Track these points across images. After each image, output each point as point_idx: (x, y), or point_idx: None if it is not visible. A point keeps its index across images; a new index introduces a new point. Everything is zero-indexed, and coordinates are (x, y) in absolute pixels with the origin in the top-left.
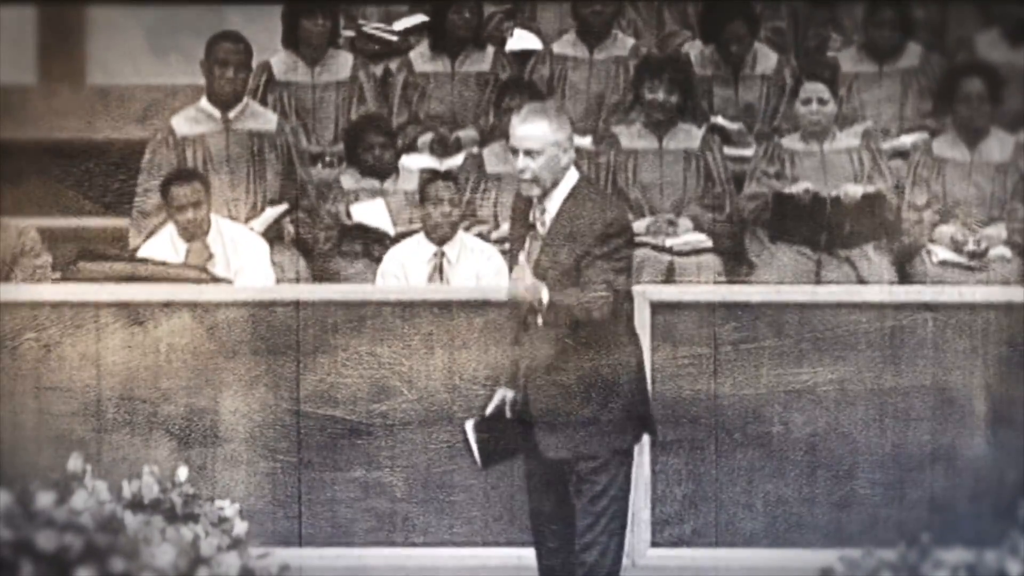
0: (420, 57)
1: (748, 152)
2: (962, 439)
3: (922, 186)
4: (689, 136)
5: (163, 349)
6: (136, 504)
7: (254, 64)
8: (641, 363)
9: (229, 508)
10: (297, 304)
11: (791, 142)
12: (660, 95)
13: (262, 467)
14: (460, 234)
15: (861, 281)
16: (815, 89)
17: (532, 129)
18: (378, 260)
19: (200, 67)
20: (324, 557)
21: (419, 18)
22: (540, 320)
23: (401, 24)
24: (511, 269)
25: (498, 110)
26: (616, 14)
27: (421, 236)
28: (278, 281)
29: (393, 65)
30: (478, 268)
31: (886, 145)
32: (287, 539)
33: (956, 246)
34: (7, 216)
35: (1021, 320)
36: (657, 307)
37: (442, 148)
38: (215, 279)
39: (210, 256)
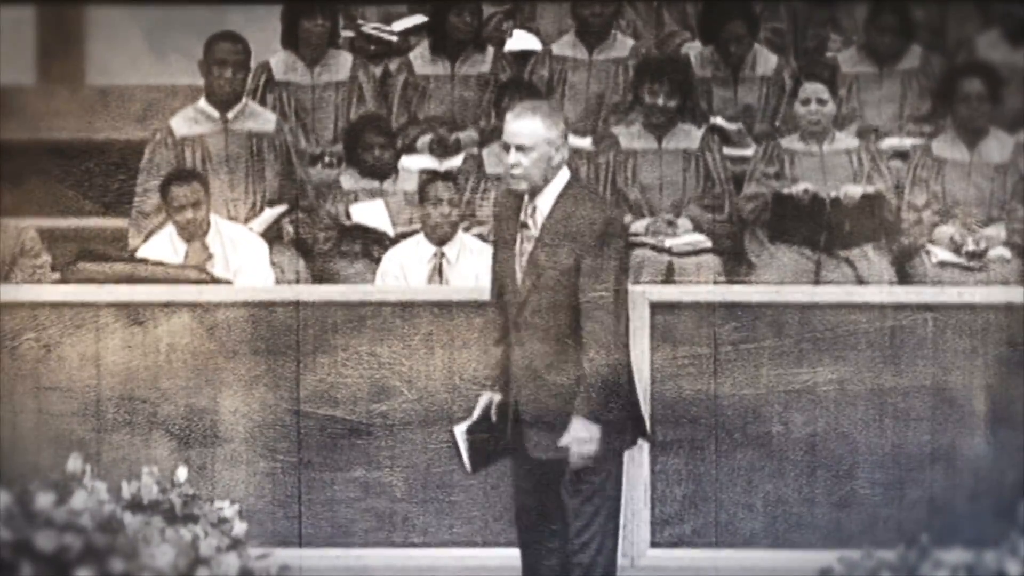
0: (420, 58)
1: (747, 152)
2: (962, 439)
3: (921, 186)
4: (688, 136)
5: (163, 349)
6: (136, 505)
7: (253, 64)
8: (631, 364)
9: (228, 509)
10: (297, 304)
11: (790, 143)
12: (659, 96)
13: (262, 467)
14: (459, 234)
15: (860, 281)
16: (814, 90)
17: (524, 125)
18: (377, 260)
19: (199, 67)
20: (324, 557)
21: (419, 19)
22: (539, 320)
23: (401, 25)
24: (494, 270)
25: (498, 111)
26: (615, 15)
27: (420, 237)
28: (277, 281)
29: (393, 66)
30: (478, 268)
31: (885, 145)
32: (287, 539)
33: (955, 246)
34: (7, 216)
35: (1021, 320)
36: (657, 307)
37: (442, 149)
38: (214, 279)
39: (209, 256)
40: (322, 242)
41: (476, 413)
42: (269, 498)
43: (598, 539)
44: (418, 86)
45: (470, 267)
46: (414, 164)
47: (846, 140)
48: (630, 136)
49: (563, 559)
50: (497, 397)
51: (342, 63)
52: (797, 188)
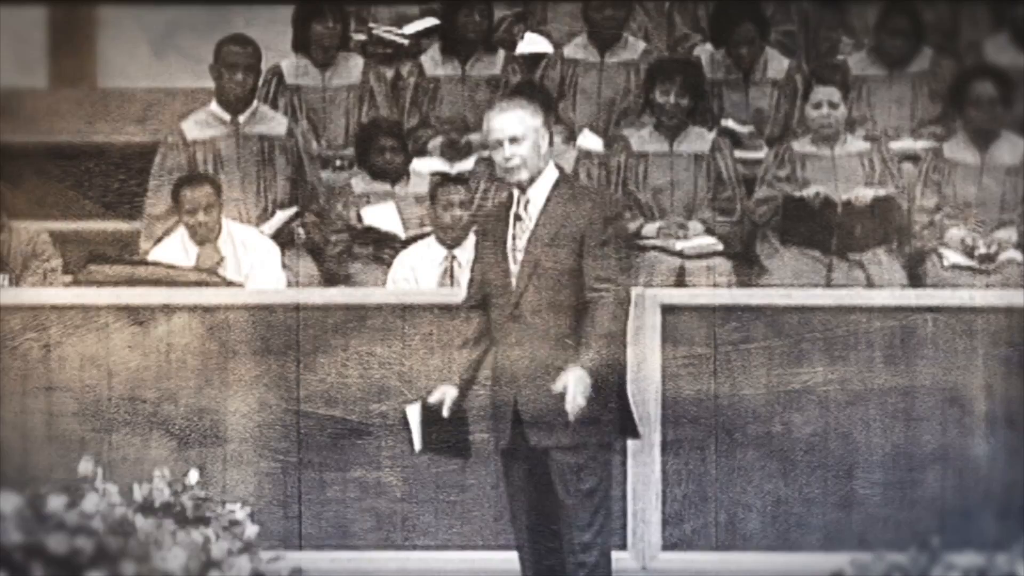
0: (431, 60)
1: (759, 155)
2: (966, 440)
3: (932, 189)
4: (700, 139)
5: (163, 349)
6: (147, 507)
7: (263, 67)
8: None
9: (240, 511)
10: (297, 305)
11: (802, 146)
12: (671, 98)
13: (262, 467)
14: (471, 237)
15: (871, 284)
16: (826, 93)
17: (511, 117)
18: (388, 263)
19: (209, 70)
20: (324, 558)
21: (430, 21)
22: (538, 320)
23: (411, 27)
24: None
25: None
26: (627, 18)
27: (432, 239)
28: (289, 284)
29: (404, 68)
30: None
31: (896, 148)
32: (287, 539)
33: (967, 249)
34: (19, 219)
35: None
36: (665, 309)
37: (453, 151)
38: (226, 282)
39: (221, 259)
40: (333, 245)
41: (432, 399)
42: (269, 498)
43: (601, 539)
44: (429, 88)
45: None
46: (425, 167)
47: (857, 143)
48: (641, 139)
49: (562, 559)
50: (454, 392)
51: (353, 66)
52: (808, 191)
